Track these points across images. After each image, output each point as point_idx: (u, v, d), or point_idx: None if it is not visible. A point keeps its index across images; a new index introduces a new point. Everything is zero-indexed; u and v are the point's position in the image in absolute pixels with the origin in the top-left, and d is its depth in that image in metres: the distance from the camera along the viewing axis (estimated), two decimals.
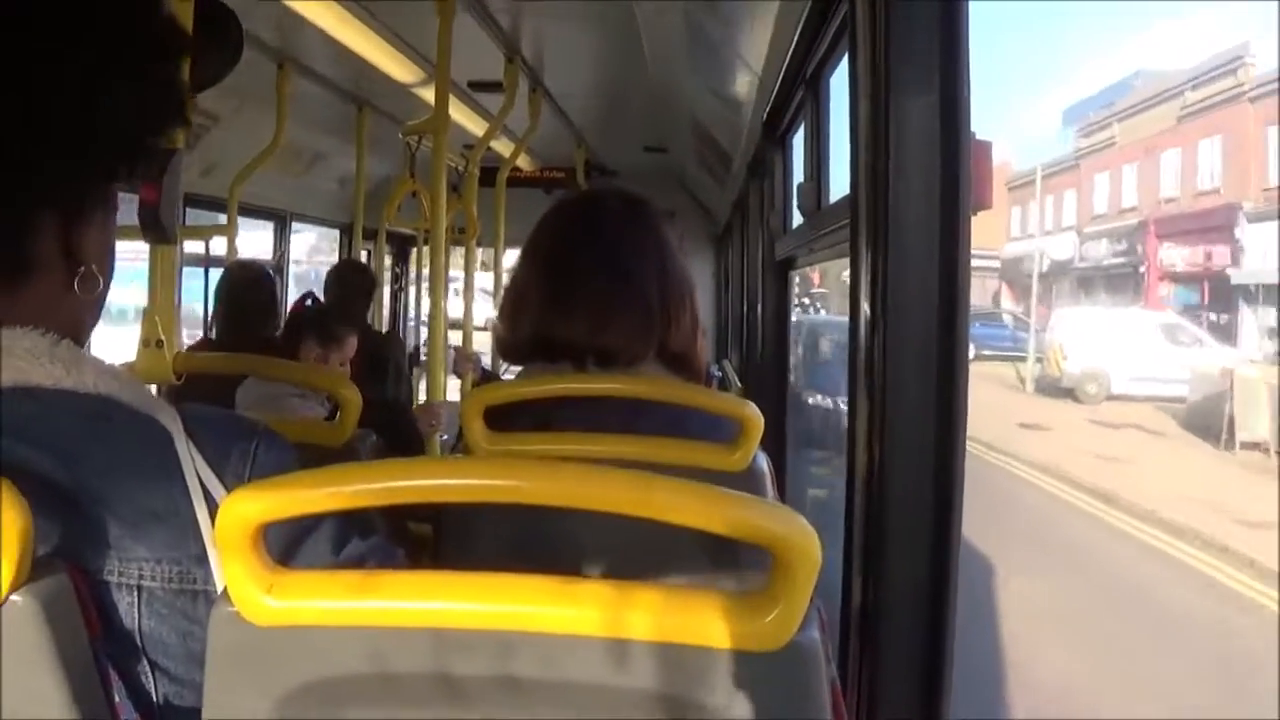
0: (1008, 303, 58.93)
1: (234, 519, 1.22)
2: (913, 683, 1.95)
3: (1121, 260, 49.24)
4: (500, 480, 1.23)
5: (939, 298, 1.89)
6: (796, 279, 5.45)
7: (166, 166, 2.69)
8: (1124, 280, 48.82)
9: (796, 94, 4.20)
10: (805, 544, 1.20)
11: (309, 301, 5.32)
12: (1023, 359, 40.43)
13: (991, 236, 60.23)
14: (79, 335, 1.50)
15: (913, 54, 1.91)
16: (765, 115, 4.84)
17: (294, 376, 3.87)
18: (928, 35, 1.90)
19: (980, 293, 59.75)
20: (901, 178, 1.90)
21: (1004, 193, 61.26)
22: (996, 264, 61.76)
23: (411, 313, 11.24)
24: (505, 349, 2.45)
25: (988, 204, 1.95)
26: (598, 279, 2.30)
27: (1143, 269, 46.79)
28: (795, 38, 3.41)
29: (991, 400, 29.87)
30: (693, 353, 2.39)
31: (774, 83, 4.21)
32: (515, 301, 2.40)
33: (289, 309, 5.78)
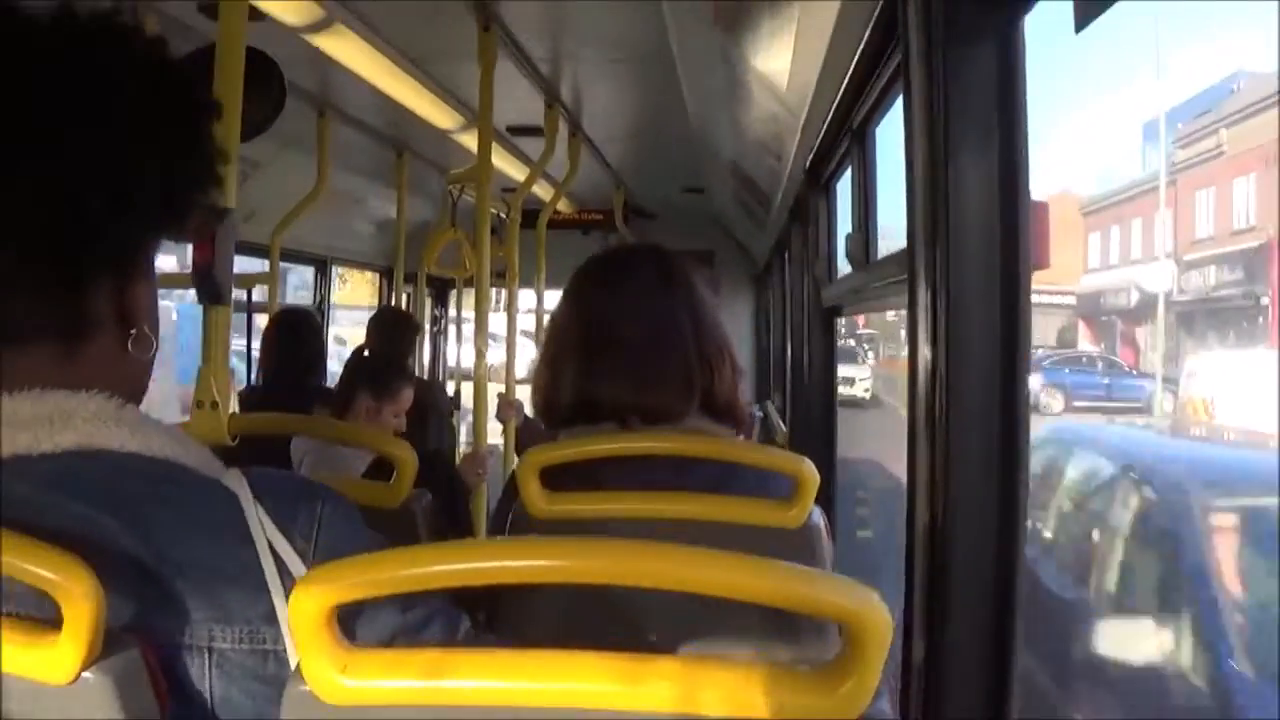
0: (1085, 344, 53.45)
1: (308, 600, 1.22)
2: None
3: (1235, 291, 41.18)
4: (573, 561, 1.23)
5: (1000, 357, 1.88)
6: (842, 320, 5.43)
7: (218, 226, 2.73)
8: (1238, 315, 40.99)
9: (842, 142, 4.19)
10: (877, 619, 1.20)
11: (365, 353, 5.33)
12: (1133, 410, 35.68)
13: (1063, 270, 55.34)
14: (136, 397, 1.51)
15: (969, 110, 1.90)
16: (808, 162, 4.84)
17: (348, 437, 3.88)
18: (985, 90, 1.89)
19: (1042, 332, 56.31)
20: (960, 236, 1.89)
21: (1076, 221, 57.48)
22: (1070, 300, 57.39)
23: (451, 358, 11.25)
24: (547, 413, 2.45)
25: (1045, 265, 1.94)
26: (635, 340, 2.31)
27: (1266, 300, 38.95)
28: (844, 86, 3.40)
29: None
30: (735, 402, 2.39)
31: (818, 130, 4.20)
32: (553, 366, 2.40)
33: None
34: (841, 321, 5.37)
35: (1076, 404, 36.75)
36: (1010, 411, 1.90)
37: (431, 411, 7.04)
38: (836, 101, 3.62)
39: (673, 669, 1.22)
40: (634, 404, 2.28)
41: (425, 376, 8.92)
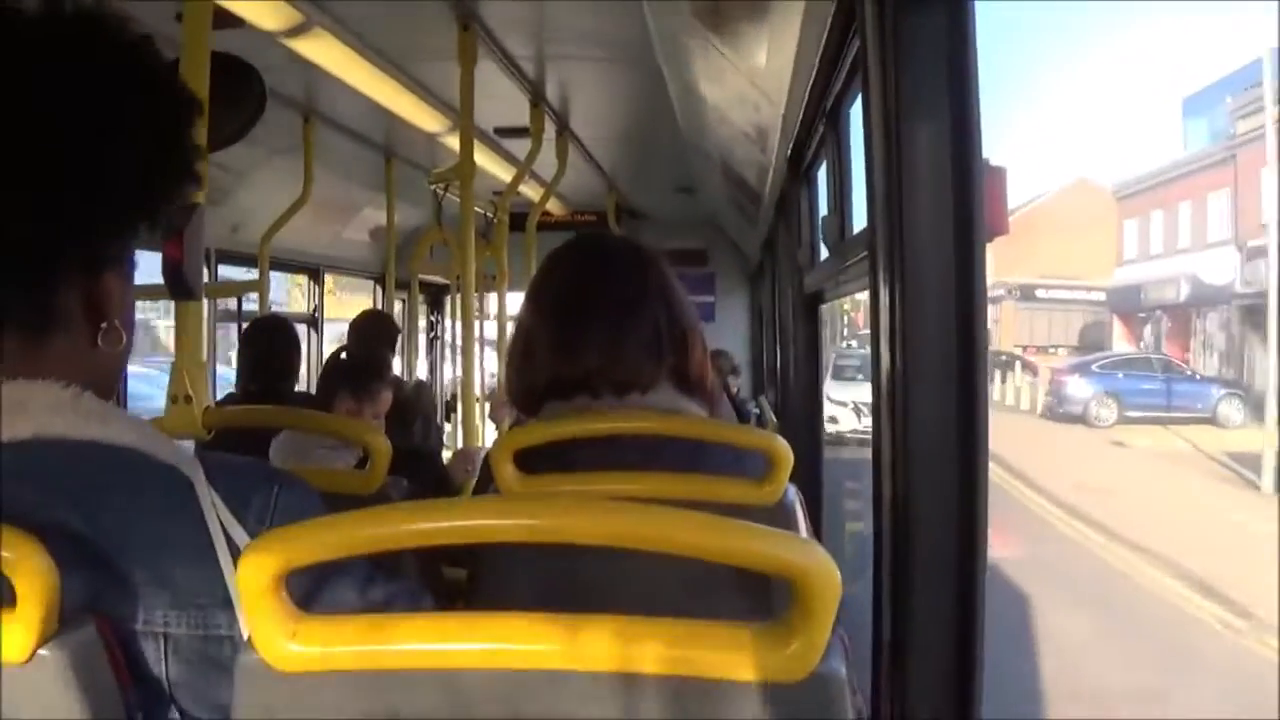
0: (1122, 344, 49.18)
1: (255, 567, 1.22)
2: (942, 713, 1.93)
3: None
4: (520, 520, 1.24)
5: (956, 324, 1.88)
6: (844, 321, 5.44)
7: (187, 223, 2.74)
8: None
9: (818, 128, 4.20)
10: (824, 574, 1.20)
11: (343, 355, 5.33)
12: (1199, 421, 33.29)
13: (1085, 263, 53.97)
14: (104, 391, 1.51)
15: (921, 79, 1.90)
16: (790, 151, 4.85)
17: (323, 427, 3.88)
18: (936, 56, 1.90)
19: (1063, 330, 55.36)
20: (914, 204, 1.89)
21: (1099, 210, 54.08)
22: (1095, 295, 54.96)
23: (448, 363, 11.25)
24: (519, 397, 2.45)
25: (1003, 230, 1.95)
26: (605, 313, 2.31)
27: None
28: (814, 71, 3.41)
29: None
30: (704, 378, 2.39)
31: (796, 118, 4.21)
32: (524, 350, 2.41)
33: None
34: (845, 325, 5.37)
35: (1130, 414, 34.78)
36: (969, 384, 1.90)
37: (418, 413, 7.04)
38: (810, 86, 3.63)
39: (615, 628, 1.22)
40: (604, 371, 2.29)
41: (411, 379, 8.89)
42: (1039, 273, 55.58)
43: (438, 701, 1.24)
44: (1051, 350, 53.34)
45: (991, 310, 59.59)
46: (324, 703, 1.25)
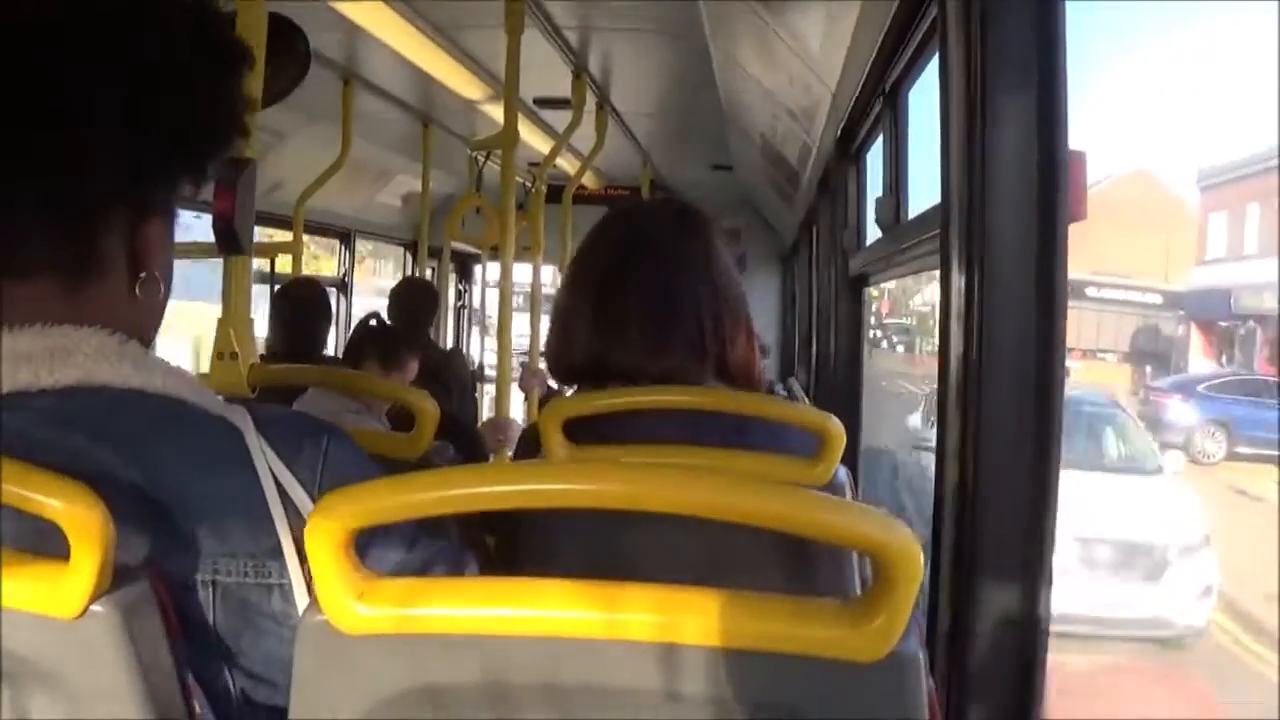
0: (1202, 361, 42.17)
1: (325, 526, 1.19)
2: (1006, 706, 1.91)
3: None
4: (603, 485, 1.21)
5: (1036, 314, 1.85)
6: (875, 309, 5.43)
7: (239, 178, 2.72)
8: None
9: (874, 108, 4.17)
10: (907, 550, 1.18)
11: (373, 321, 5.32)
12: None
13: (1139, 262, 48.41)
14: (143, 341, 1.49)
15: (1008, 59, 1.87)
16: (839, 130, 4.81)
17: (369, 389, 3.86)
18: (1024, 39, 1.87)
19: (1113, 334, 48.63)
20: (995, 186, 1.86)
21: (1170, 201, 49.88)
22: (1154, 299, 48.23)
23: (476, 332, 11.28)
24: (557, 369, 2.43)
25: (1082, 216, 1.91)
26: (648, 301, 2.26)
27: None
28: (875, 49, 3.37)
29: None
30: (750, 369, 2.35)
31: (849, 97, 4.18)
32: (564, 323, 2.36)
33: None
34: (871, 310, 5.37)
35: (1242, 449, 27.71)
36: (1046, 374, 1.87)
37: (454, 381, 7.04)
38: (869, 64, 3.59)
39: (698, 600, 1.20)
40: (642, 369, 2.25)
41: (448, 347, 8.89)
42: (1090, 269, 49.57)
43: (514, 666, 1.22)
44: (1100, 356, 48.84)
45: None
46: (389, 665, 1.22)
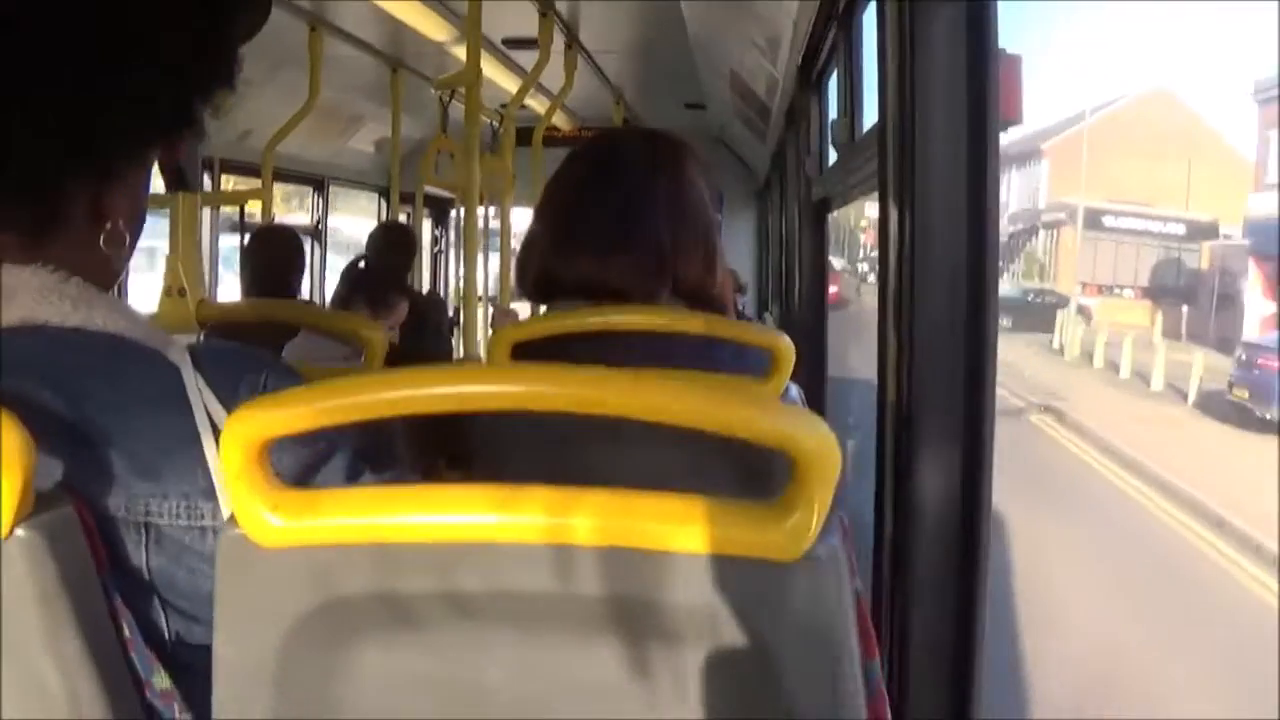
0: (1262, 302, 37.40)
1: (237, 436, 1.19)
2: (945, 609, 1.92)
3: None
4: (509, 386, 1.20)
5: (967, 224, 1.86)
6: (863, 241, 5.44)
7: None
8: None
9: (830, 33, 4.17)
10: (824, 446, 1.16)
11: (361, 264, 5.33)
12: None
13: (1160, 189, 46.96)
14: (103, 281, 1.49)
15: None
16: (800, 60, 4.81)
17: (316, 321, 3.85)
18: None
19: (1132, 268, 46.82)
20: (926, 95, 1.86)
21: (1192, 122, 48.57)
22: (1178, 229, 46.55)
23: (452, 276, 11.27)
24: (520, 287, 2.44)
25: (1016, 118, 1.91)
26: (603, 215, 2.27)
27: None
28: None
29: None
30: (708, 288, 2.34)
31: (808, 24, 4.18)
32: (528, 241, 2.38)
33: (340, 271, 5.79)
34: (863, 245, 5.38)
35: None
36: (978, 276, 1.88)
37: (429, 325, 7.04)
38: None
39: (608, 501, 1.19)
40: (595, 281, 2.25)
41: (424, 292, 8.89)
42: (1107, 195, 49.41)
43: (425, 574, 1.21)
44: (1117, 291, 48.46)
45: (1045, 237, 56.30)
46: (306, 577, 1.22)
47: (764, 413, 1.19)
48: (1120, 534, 16.59)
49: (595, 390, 1.19)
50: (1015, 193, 58.66)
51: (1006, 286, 46.29)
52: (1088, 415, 25.06)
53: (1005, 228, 53.91)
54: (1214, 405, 27.30)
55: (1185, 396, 29.07)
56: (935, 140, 1.86)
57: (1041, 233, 56.72)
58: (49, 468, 1.30)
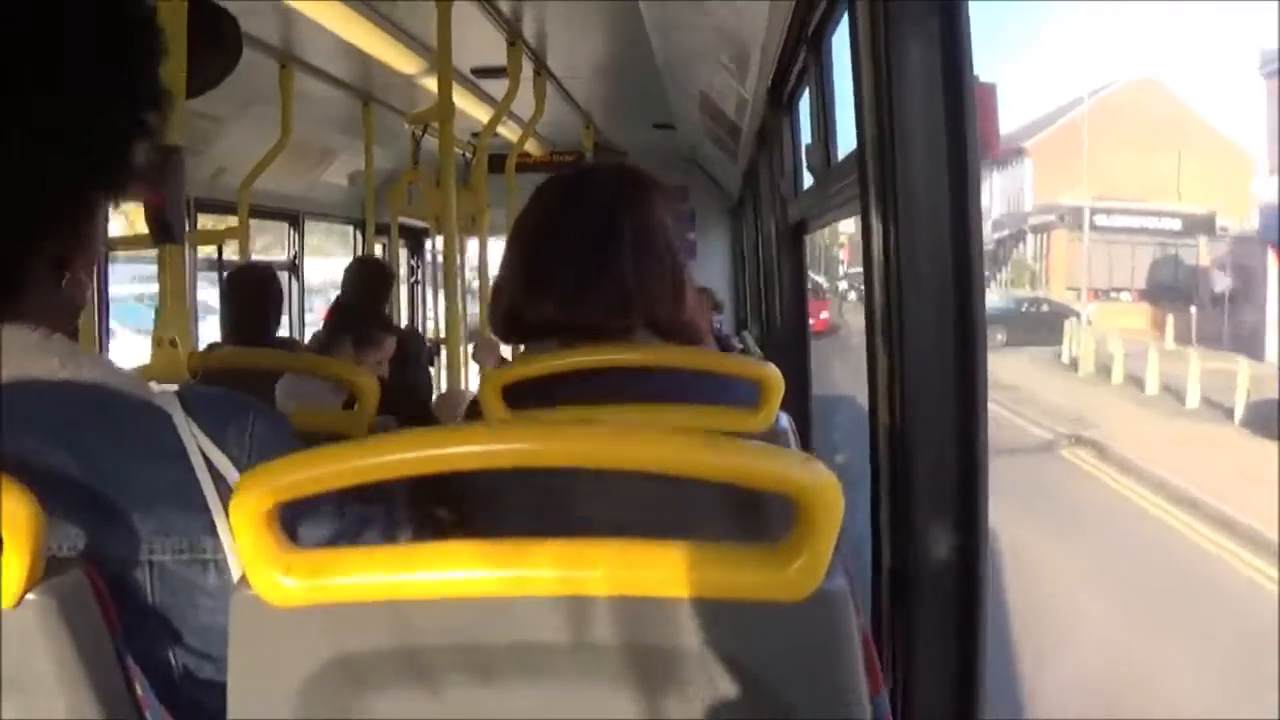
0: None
1: (248, 500, 1.20)
2: (947, 635, 1.93)
3: None
4: (512, 445, 1.21)
5: (952, 244, 1.88)
6: (841, 258, 5.46)
7: (167, 166, 2.73)
8: None
9: (799, 56, 4.18)
10: (826, 490, 1.18)
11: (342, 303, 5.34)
12: None
13: (1147, 184, 44.00)
14: (66, 327, 1.50)
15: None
16: (770, 81, 4.83)
17: (307, 367, 3.86)
18: None
19: (1126, 269, 43.98)
20: (905, 123, 1.88)
21: (1180, 111, 46.03)
22: (1174, 224, 44.49)
23: (430, 307, 11.28)
24: (493, 324, 2.46)
25: (993, 146, 1.93)
26: (571, 256, 2.28)
27: None
28: None
29: None
30: (679, 323, 2.35)
31: (776, 46, 4.19)
32: (497, 279, 2.40)
33: (324, 311, 5.79)
34: (842, 264, 5.40)
35: None
36: (965, 300, 1.89)
37: (410, 359, 7.03)
38: (791, 13, 3.61)
39: (616, 552, 1.20)
40: (562, 321, 2.26)
41: (403, 326, 8.89)
42: (1097, 193, 46.16)
43: (441, 630, 1.22)
44: (1114, 295, 45.65)
45: (1034, 242, 53.02)
46: (318, 636, 1.23)
47: (768, 460, 1.20)
48: (1214, 603, 13.81)
49: (604, 446, 1.21)
50: (998, 196, 55.32)
51: (995, 297, 44.89)
52: (1131, 446, 21.46)
53: (990, 235, 52.02)
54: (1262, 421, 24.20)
55: (1226, 412, 25.85)
56: (916, 169, 1.88)
57: (1030, 237, 54.00)
58: (55, 526, 1.30)
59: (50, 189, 1.42)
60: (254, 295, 5.61)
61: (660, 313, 2.29)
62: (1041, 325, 41.24)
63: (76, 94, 1.41)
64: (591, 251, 2.27)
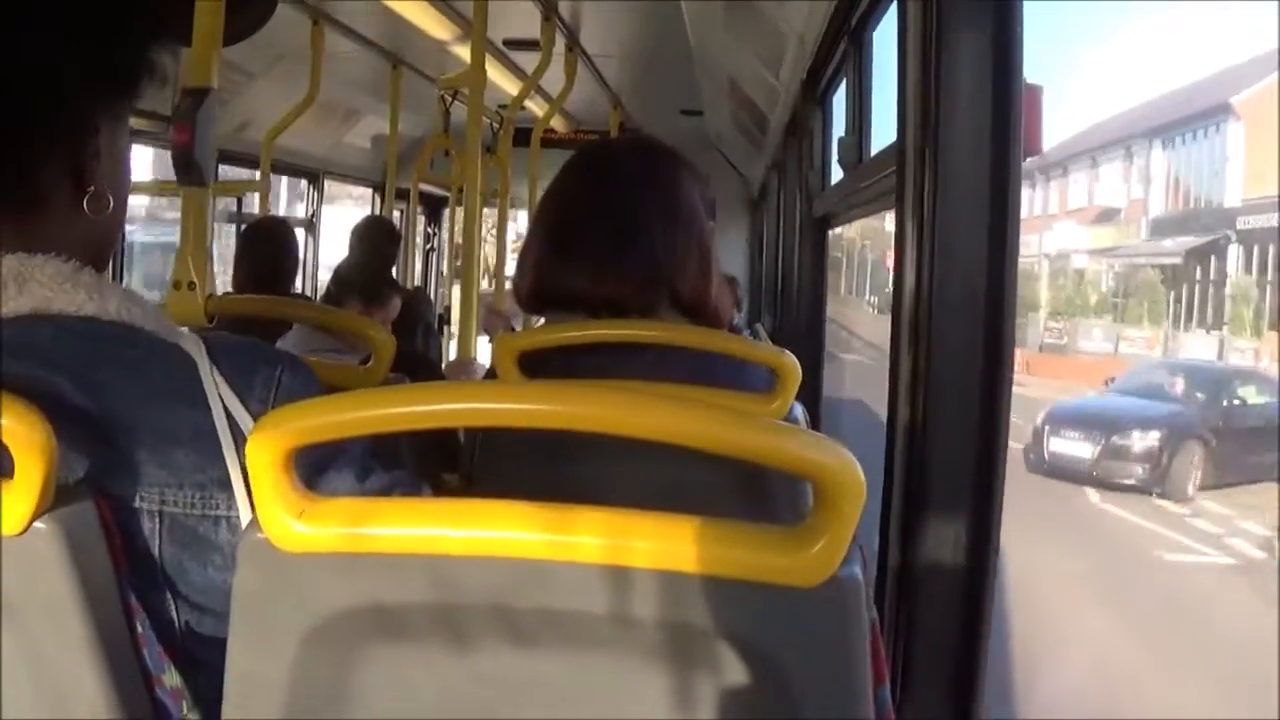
0: None
1: (265, 442, 1.19)
2: (951, 638, 1.92)
3: None
4: (535, 404, 1.20)
5: (988, 245, 1.86)
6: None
7: (198, 109, 2.72)
8: None
9: (838, 50, 4.18)
10: (850, 474, 1.17)
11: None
12: None
13: None
14: (96, 259, 1.49)
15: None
16: (805, 73, 4.82)
17: (326, 320, 3.86)
18: None
19: None
20: (951, 122, 1.86)
21: None
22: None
23: (445, 273, 11.28)
24: (517, 296, 2.43)
25: (1037, 150, 1.92)
26: (600, 229, 2.26)
27: None
28: None
29: None
30: (705, 301, 2.34)
31: (815, 39, 4.19)
32: (523, 250, 2.39)
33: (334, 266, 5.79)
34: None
35: None
36: (996, 309, 1.88)
37: (419, 322, 7.03)
38: (834, 5, 3.59)
39: (643, 524, 1.19)
40: (592, 294, 2.25)
41: (413, 288, 8.89)
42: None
43: (459, 587, 1.21)
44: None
45: (1238, 256, 30.82)
46: (328, 584, 1.22)
47: (791, 440, 1.19)
48: None
49: (625, 412, 1.19)
50: (1156, 182, 36.37)
51: (1194, 361, 26.54)
52: None
53: (1151, 248, 35.11)
54: None
55: None
56: (959, 168, 1.86)
57: (1235, 250, 31.86)
58: (67, 459, 1.30)
59: (64, 91, 1.42)
60: (271, 249, 5.61)
61: (687, 289, 2.28)
62: None
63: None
64: (621, 225, 2.26)
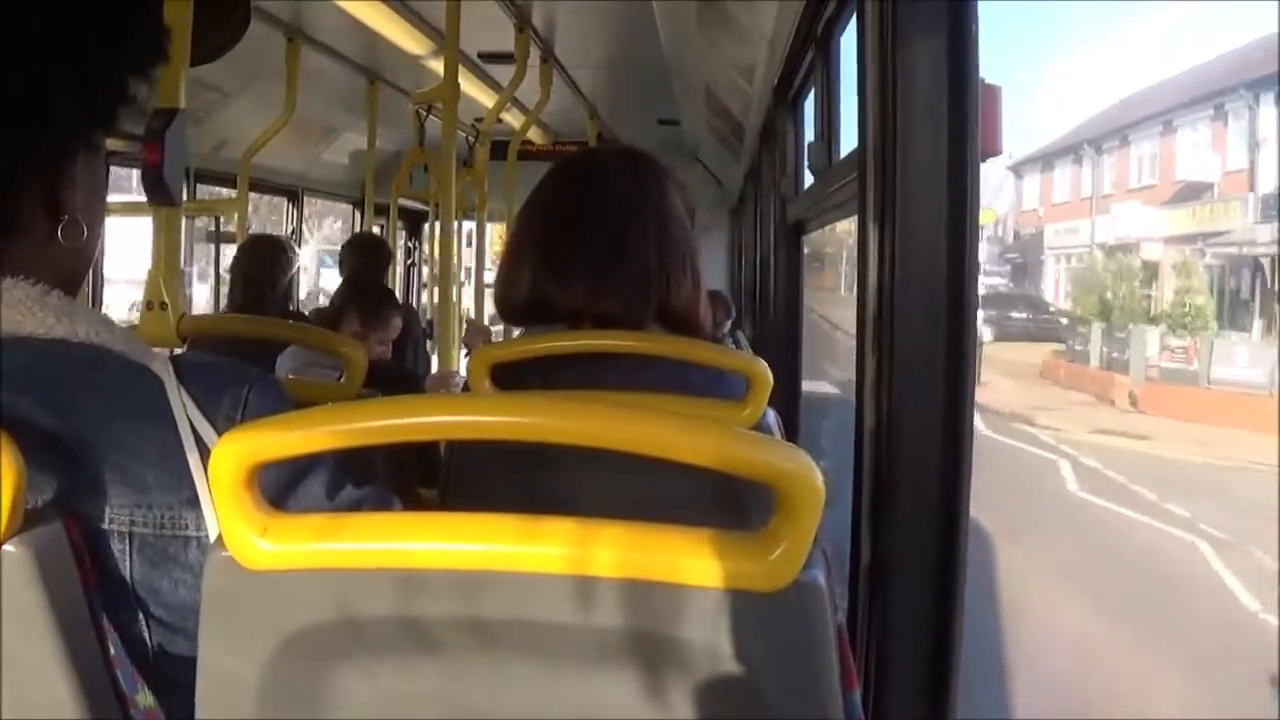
0: None
1: (227, 460, 1.19)
2: (922, 637, 1.93)
3: None
4: (495, 416, 1.21)
5: (947, 246, 1.87)
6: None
7: (167, 128, 2.73)
8: None
9: (807, 55, 4.19)
10: (807, 479, 1.17)
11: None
12: None
13: None
14: (68, 286, 1.49)
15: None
16: (776, 79, 4.84)
17: (299, 337, 3.86)
18: None
19: None
20: (908, 123, 1.88)
21: None
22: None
23: (425, 290, 11.28)
24: (502, 308, 2.42)
25: (995, 150, 1.93)
26: (595, 242, 2.26)
27: None
28: None
29: None
30: (694, 315, 2.34)
31: (784, 45, 4.20)
32: (513, 261, 2.37)
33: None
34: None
35: None
36: (958, 310, 1.89)
37: (409, 338, 7.04)
38: (801, 8, 3.61)
39: (608, 533, 1.19)
40: (587, 309, 2.25)
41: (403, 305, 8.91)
42: None
43: (428, 600, 1.22)
44: None
45: None
46: (294, 601, 1.22)
47: (748, 446, 1.19)
48: None
49: (586, 423, 1.20)
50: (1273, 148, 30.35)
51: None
52: None
53: (1235, 235, 31.82)
54: None
55: None
56: (917, 171, 1.87)
57: None
58: (37, 482, 1.31)
59: (43, 121, 1.42)
60: (265, 264, 5.62)
61: (679, 302, 2.29)
62: None
63: (70, 24, 1.41)
64: (615, 237, 2.26)
